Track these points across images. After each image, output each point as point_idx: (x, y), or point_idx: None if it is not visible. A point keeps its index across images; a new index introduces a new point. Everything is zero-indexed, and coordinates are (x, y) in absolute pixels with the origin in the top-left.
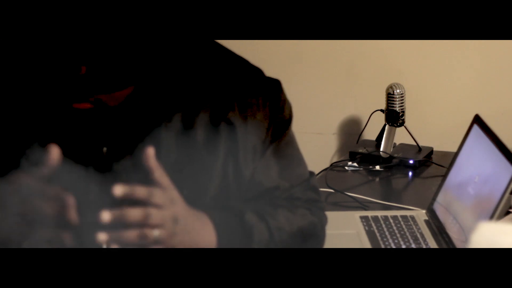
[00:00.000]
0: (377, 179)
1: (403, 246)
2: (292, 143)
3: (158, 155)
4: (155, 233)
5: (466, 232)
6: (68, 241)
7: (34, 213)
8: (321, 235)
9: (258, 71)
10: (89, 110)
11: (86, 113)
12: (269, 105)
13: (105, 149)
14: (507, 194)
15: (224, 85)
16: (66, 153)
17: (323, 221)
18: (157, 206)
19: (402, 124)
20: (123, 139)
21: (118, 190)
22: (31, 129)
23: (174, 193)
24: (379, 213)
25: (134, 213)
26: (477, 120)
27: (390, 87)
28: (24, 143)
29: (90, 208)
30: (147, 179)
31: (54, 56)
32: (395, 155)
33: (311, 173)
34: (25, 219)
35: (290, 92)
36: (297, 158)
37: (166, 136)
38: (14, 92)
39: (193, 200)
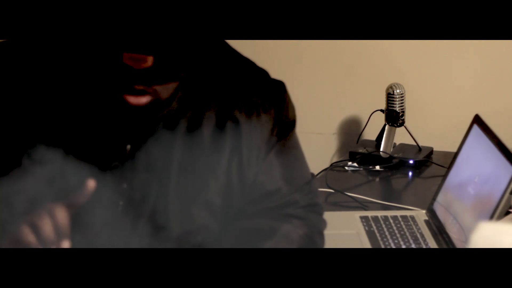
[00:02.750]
0: (377, 179)
1: (403, 246)
2: (295, 144)
3: (169, 155)
4: None
5: (466, 232)
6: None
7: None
8: (319, 242)
9: (263, 73)
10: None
11: (118, 109)
12: (273, 106)
13: (128, 146)
14: (507, 194)
15: (230, 86)
16: (91, 148)
17: (320, 227)
18: None
19: (402, 124)
20: (146, 138)
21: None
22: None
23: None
24: (379, 213)
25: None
26: (477, 120)
27: (390, 87)
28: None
29: (101, 207)
30: (158, 178)
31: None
32: (395, 155)
33: (312, 175)
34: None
35: (290, 92)
36: (300, 160)
37: (176, 136)
38: (63, 83)
39: (196, 198)
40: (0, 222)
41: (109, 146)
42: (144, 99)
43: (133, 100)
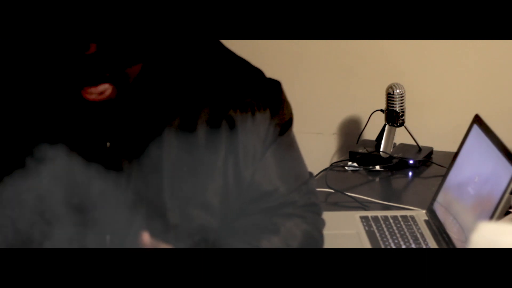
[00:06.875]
0: (377, 179)
1: (403, 246)
2: (292, 144)
3: (160, 154)
4: None
5: (466, 232)
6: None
7: (52, 211)
8: (319, 241)
9: (258, 72)
10: (95, 102)
11: (92, 105)
12: (269, 106)
13: (108, 144)
14: (507, 194)
15: (225, 86)
16: (70, 147)
17: (319, 226)
18: None
19: (402, 124)
20: (126, 136)
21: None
22: (38, 121)
23: None
24: (379, 213)
25: None
26: (477, 120)
27: (390, 87)
28: (31, 136)
29: (95, 204)
30: (150, 177)
31: (61, 37)
32: (395, 155)
33: (310, 175)
34: (44, 218)
35: (290, 92)
36: (297, 160)
37: (168, 135)
38: (21, 82)
39: (193, 198)
40: (12, 221)
41: (87, 143)
42: (102, 88)
43: (92, 90)
